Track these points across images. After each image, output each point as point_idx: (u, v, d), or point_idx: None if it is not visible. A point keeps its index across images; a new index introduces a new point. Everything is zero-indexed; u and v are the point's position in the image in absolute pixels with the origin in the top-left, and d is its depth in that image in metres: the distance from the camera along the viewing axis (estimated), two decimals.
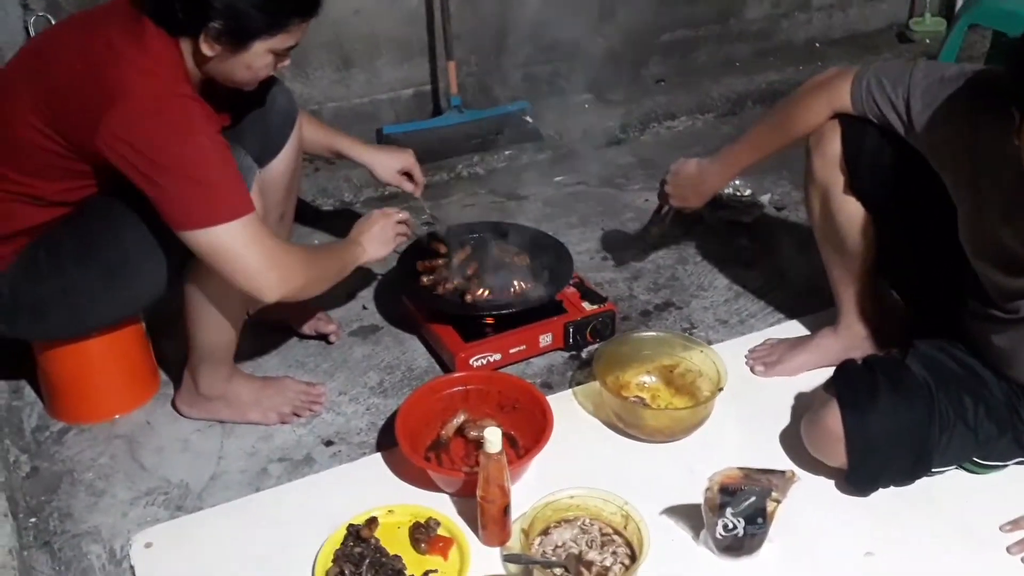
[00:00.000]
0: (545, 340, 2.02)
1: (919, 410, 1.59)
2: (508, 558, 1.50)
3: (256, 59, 1.58)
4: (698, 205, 2.04)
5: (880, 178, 1.70)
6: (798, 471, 1.63)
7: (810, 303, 2.16)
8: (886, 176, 1.69)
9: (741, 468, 1.53)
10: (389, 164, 2.10)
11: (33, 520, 1.69)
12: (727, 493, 1.52)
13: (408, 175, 2.13)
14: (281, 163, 1.88)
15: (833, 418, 1.60)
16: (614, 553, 1.53)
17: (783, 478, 1.53)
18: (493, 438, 1.48)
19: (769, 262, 2.40)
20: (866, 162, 1.70)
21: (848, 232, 1.78)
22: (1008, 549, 1.56)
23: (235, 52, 1.55)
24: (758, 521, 1.52)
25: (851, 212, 1.76)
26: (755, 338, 2.09)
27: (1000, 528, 1.60)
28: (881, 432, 1.58)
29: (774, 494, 1.52)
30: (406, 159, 2.11)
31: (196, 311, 1.72)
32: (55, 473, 1.78)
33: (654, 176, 2.82)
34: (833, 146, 1.72)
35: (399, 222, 1.90)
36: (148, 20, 1.52)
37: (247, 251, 1.53)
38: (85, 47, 1.54)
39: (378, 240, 1.85)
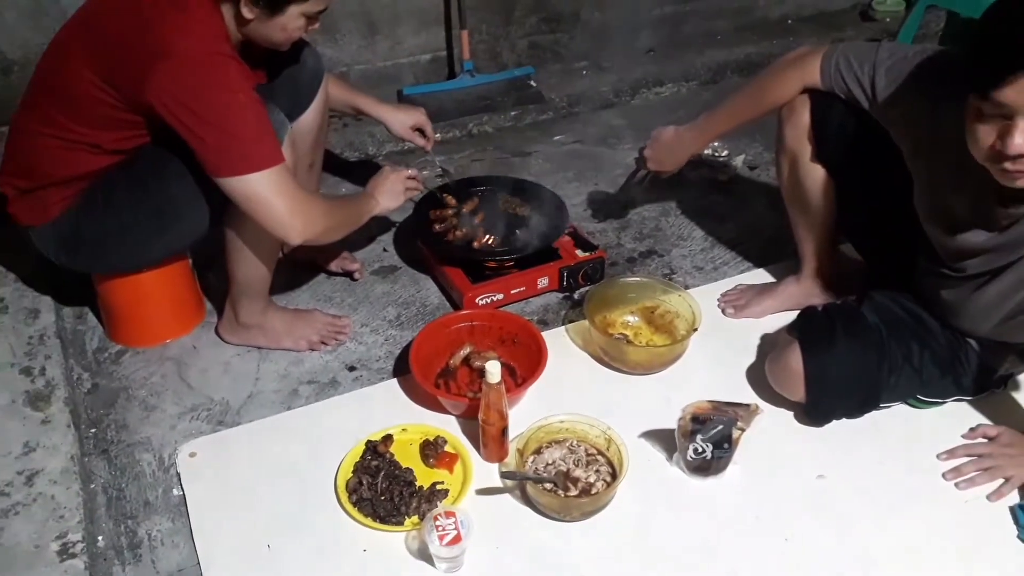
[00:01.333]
0: (542, 282, 1.96)
1: (871, 353, 1.54)
2: (505, 475, 1.46)
3: (290, 21, 1.50)
4: (673, 169, 1.94)
5: (844, 148, 1.62)
6: (761, 403, 1.58)
7: (777, 253, 2.09)
8: (849, 146, 1.61)
9: (711, 401, 1.49)
10: (403, 120, 2.01)
11: (93, 431, 1.65)
12: (698, 422, 1.48)
13: (420, 131, 2.04)
14: (309, 118, 1.80)
15: (795, 358, 1.55)
16: (597, 471, 1.49)
17: (748, 410, 1.48)
18: (493, 370, 1.44)
19: (742, 216, 2.32)
20: (832, 133, 1.62)
21: (813, 195, 1.70)
22: (943, 475, 1.53)
23: (271, 15, 1.48)
24: (724, 446, 1.48)
25: (816, 177, 1.68)
26: (727, 284, 2.02)
27: (937, 456, 1.56)
28: (837, 372, 1.53)
29: (739, 423, 1.48)
30: (418, 116, 2.03)
31: (234, 250, 1.66)
32: (112, 390, 1.74)
33: (643, 137, 2.67)
34: (803, 117, 1.64)
35: (409, 177, 1.83)
36: None
37: (276, 198, 1.46)
38: (135, 9, 1.45)
39: (389, 193, 1.78)
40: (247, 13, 1.46)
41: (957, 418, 1.62)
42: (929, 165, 1.46)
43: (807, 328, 1.58)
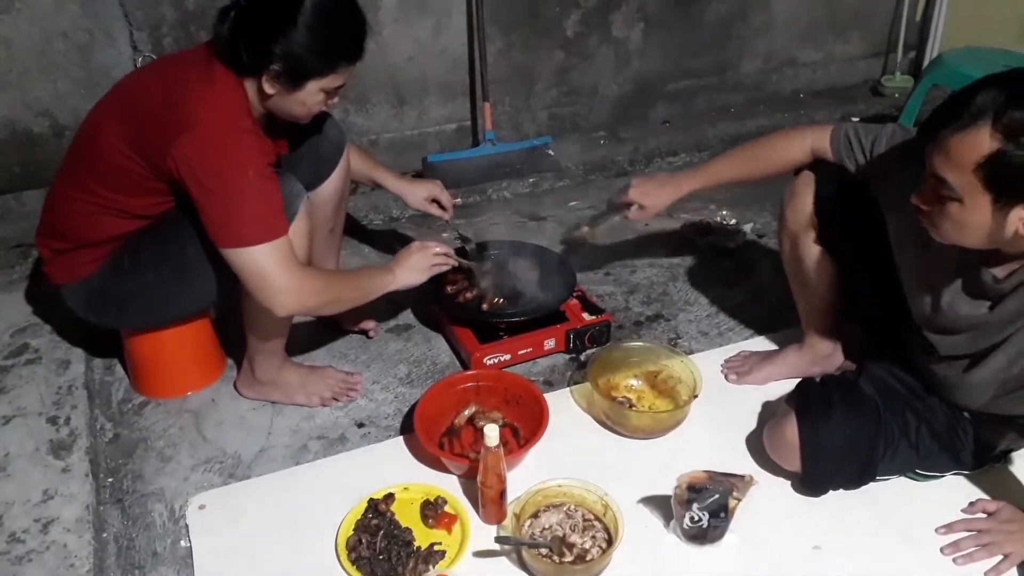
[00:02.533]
0: (549, 344, 1.93)
1: (867, 425, 1.48)
2: (500, 540, 1.41)
3: (309, 97, 1.52)
4: (656, 205, 1.79)
5: (845, 229, 1.59)
6: (757, 472, 1.53)
7: (782, 319, 2.04)
8: (851, 228, 1.58)
9: (706, 471, 1.44)
10: (418, 193, 2.01)
11: (110, 480, 1.64)
12: (694, 491, 1.42)
13: (436, 202, 2.05)
14: (330, 187, 1.81)
15: (791, 428, 1.50)
16: (593, 537, 1.44)
17: (743, 481, 1.43)
18: (491, 434, 1.40)
19: (748, 283, 2.28)
20: (832, 218, 1.59)
21: (814, 272, 1.67)
22: (942, 550, 1.45)
23: (291, 91, 1.50)
24: (720, 515, 1.42)
25: (818, 256, 1.65)
26: (731, 349, 1.98)
27: (936, 530, 1.48)
28: (832, 443, 1.47)
29: (735, 493, 1.43)
30: (432, 188, 2.02)
31: (251, 312, 1.67)
32: (132, 440, 1.74)
33: None
34: (804, 201, 1.61)
35: (437, 254, 1.77)
36: (218, 63, 1.48)
37: (269, 271, 1.46)
38: (164, 84, 1.49)
39: (412, 269, 1.72)
40: (268, 88, 1.49)
41: (956, 491, 1.55)
42: (902, 234, 1.44)
43: (804, 398, 1.53)
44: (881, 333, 1.67)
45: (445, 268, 1.80)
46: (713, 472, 1.44)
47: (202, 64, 1.49)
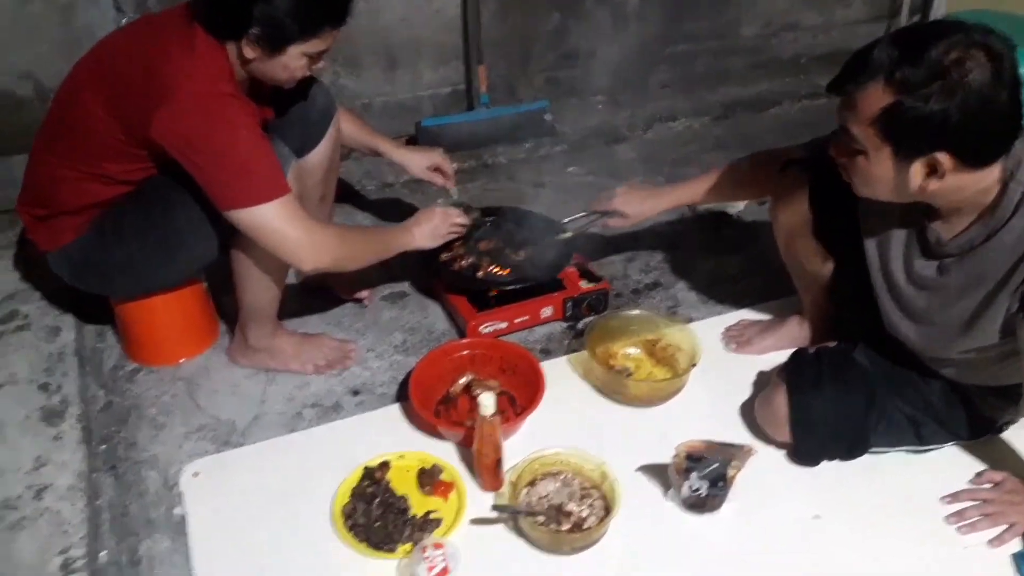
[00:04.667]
0: (546, 312, 1.91)
1: (859, 397, 1.48)
2: (496, 508, 1.41)
3: (292, 61, 1.48)
4: (637, 215, 1.82)
5: (837, 223, 1.55)
6: (754, 442, 1.53)
7: (782, 288, 2.00)
8: (841, 221, 1.54)
9: (705, 440, 1.43)
10: (420, 161, 1.98)
11: (103, 447, 1.63)
12: (692, 460, 1.42)
13: (439, 170, 2.01)
14: (319, 154, 1.77)
15: (780, 400, 1.49)
16: (591, 506, 1.44)
17: (741, 451, 1.42)
18: (487, 403, 1.39)
19: (749, 250, 2.25)
20: (825, 212, 1.57)
21: (811, 266, 1.66)
22: (946, 519, 1.45)
23: (272, 55, 1.46)
24: (719, 484, 1.42)
25: (813, 251, 1.63)
26: (730, 318, 1.96)
27: (940, 499, 1.48)
28: (822, 415, 1.47)
29: (734, 463, 1.42)
30: (434, 156, 1.99)
31: (242, 276, 1.65)
32: (125, 407, 1.72)
33: (654, 169, 2.70)
34: (795, 198, 1.60)
35: (454, 223, 1.77)
36: (199, 26, 1.43)
37: (284, 227, 1.44)
38: (143, 49, 1.45)
39: (430, 233, 1.73)
40: (248, 52, 1.44)
41: (957, 461, 1.54)
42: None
43: (795, 370, 1.52)
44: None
45: (461, 235, 1.81)
46: (712, 441, 1.43)
47: (182, 27, 1.44)
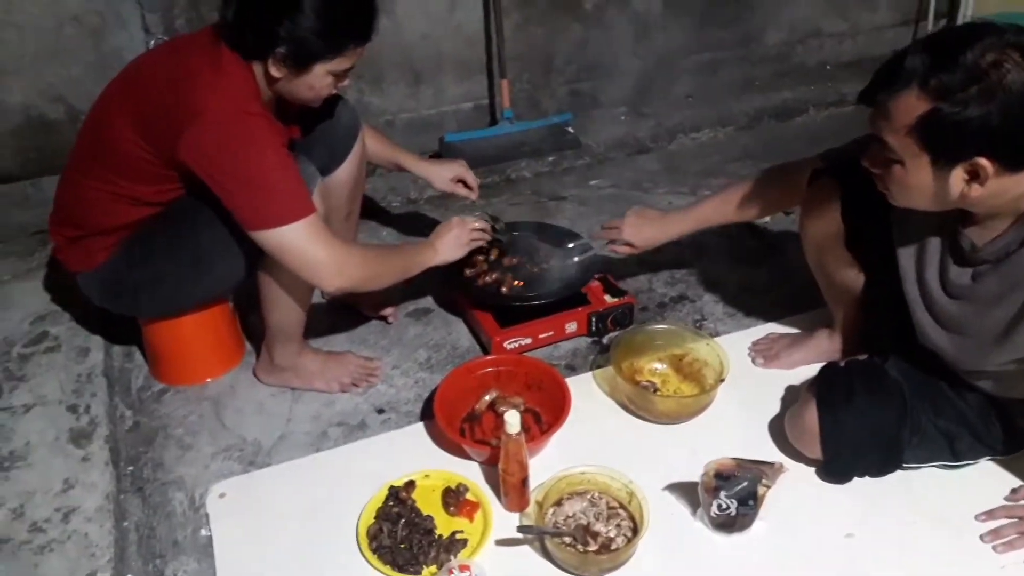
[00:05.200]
0: (570, 327, 1.90)
1: (891, 413, 1.44)
2: (522, 529, 1.39)
3: (317, 80, 1.49)
4: (645, 244, 1.81)
5: (869, 234, 1.52)
6: (784, 459, 1.49)
7: (810, 300, 1.98)
8: (873, 232, 1.51)
9: (734, 459, 1.40)
10: (443, 175, 1.98)
11: (131, 468, 1.64)
12: (721, 478, 1.39)
13: (462, 182, 2.01)
14: (345, 172, 1.78)
15: (811, 415, 1.46)
16: (618, 526, 1.41)
17: (772, 468, 1.39)
18: (512, 421, 1.38)
19: (775, 262, 2.23)
20: (857, 223, 1.54)
21: (841, 279, 1.63)
22: (982, 537, 1.40)
23: (298, 74, 1.47)
24: (749, 503, 1.39)
25: (845, 264, 1.60)
26: (758, 331, 1.93)
27: (976, 517, 1.44)
28: (854, 430, 1.44)
29: (764, 480, 1.39)
30: (458, 169, 1.99)
31: (268, 297, 1.65)
32: (152, 428, 1.73)
33: (678, 181, 2.68)
34: (825, 210, 1.56)
35: (474, 229, 1.77)
36: (225, 47, 1.44)
37: (309, 248, 1.45)
38: (171, 71, 1.47)
39: (452, 245, 1.72)
40: (275, 72, 1.46)
41: (992, 477, 1.50)
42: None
43: (825, 384, 1.49)
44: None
45: (482, 242, 1.81)
46: (742, 459, 1.40)
47: (208, 48, 1.46)
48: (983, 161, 1.13)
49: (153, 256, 1.58)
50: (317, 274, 1.48)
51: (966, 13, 3.29)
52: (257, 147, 1.40)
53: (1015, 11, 2.80)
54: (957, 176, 1.17)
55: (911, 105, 1.13)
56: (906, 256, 1.41)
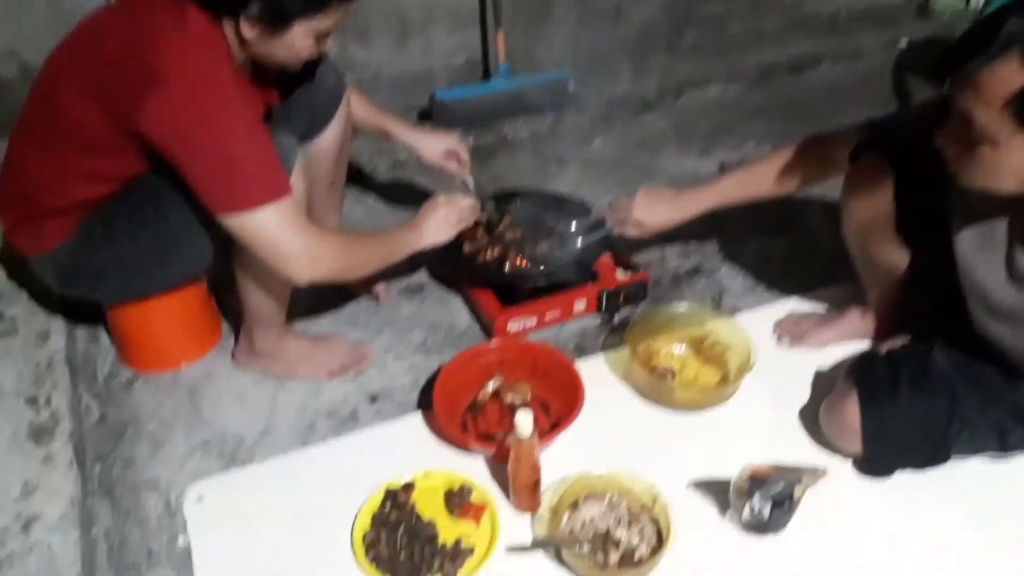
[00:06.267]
0: (579, 306, 1.76)
1: (938, 407, 1.32)
2: (536, 544, 1.27)
3: (297, 40, 1.31)
4: (656, 224, 1.63)
5: (919, 215, 1.40)
6: (819, 454, 1.39)
7: (836, 271, 1.86)
8: (923, 216, 1.39)
9: (773, 464, 1.27)
10: (434, 148, 1.80)
11: (98, 467, 1.49)
12: (756, 481, 1.27)
13: (454, 157, 1.84)
14: (328, 139, 1.61)
15: (851, 410, 1.34)
16: (640, 532, 1.29)
17: (814, 473, 1.27)
18: (524, 424, 1.25)
19: (796, 229, 2.09)
20: (908, 203, 1.40)
21: (885, 262, 1.50)
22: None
23: (275, 34, 1.29)
24: (784, 505, 1.27)
25: (891, 246, 1.47)
26: (781, 308, 1.80)
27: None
28: (899, 427, 1.32)
29: (803, 482, 1.27)
30: (450, 141, 1.80)
31: (245, 279, 1.50)
32: (122, 421, 1.58)
33: (688, 141, 2.53)
34: (874, 188, 1.42)
35: (463, 209, 1.60)
36: (191, 3, 1.26)
37: (280, 236, 1.29)
38: (129, 29, 1.28)
39: (439, 226, 1.56)
40: (247, 32, 1.27)
41: None
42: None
43: (866, 375, 1.37)
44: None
45: (472, 223, 1.65)
46: (781, 465, 1.27)
47: (172, 4, 1.26)
48: None
49: (115, 239, 1.41)
50: (288, 266, 1.32)
51: None
52: (226, 119, 1.22)
53: None
54: None
55: (1010, 76, 1.01)
56: (966, 241, 1.27)
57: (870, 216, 1.46)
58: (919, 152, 1.31)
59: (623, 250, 1.89)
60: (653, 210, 1.63)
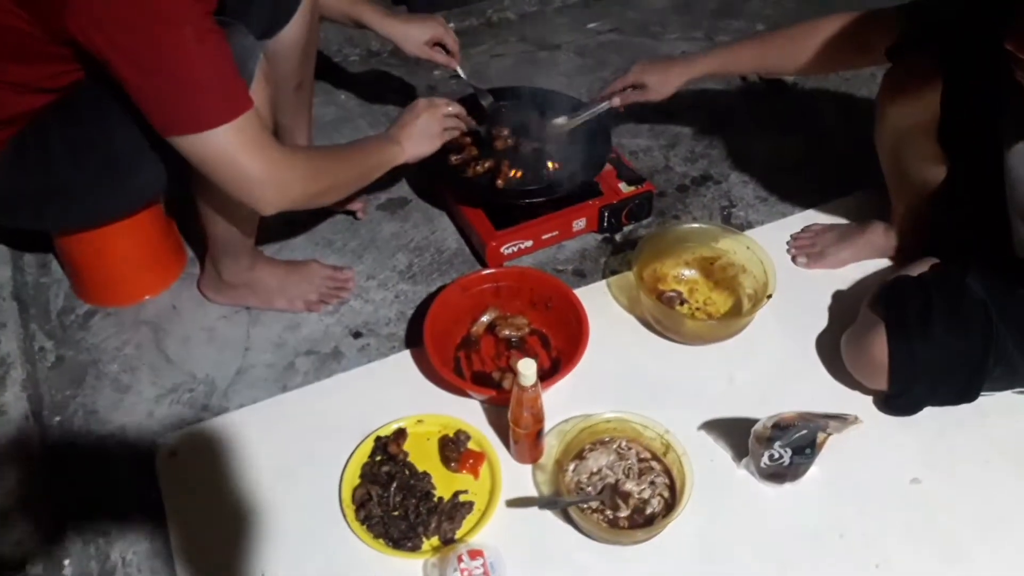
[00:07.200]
0: (579, 225, 1.61)
1: (974, 340, 1.22)
2: (543, 504, 1.18)
3: None
4: (659, 86, 1.50)
5: (961, 127, 1.24)
6: (832, 385, 1.35)
7: (855, 175, 1.72)
8: (969, 125, 1.23)
9: (799, 412, 1.17)
10: (416, 37, 1.57)
11: (57, 419, 1.37)
12: (778, 428, 1.17)
13: (440, 45, 1.62)
14: (293, 33, 1.39)
15: (879, 344, 1.24)
16: (652, 483, 1.21)
17: (844, 421, 1.18)
18: (527, 372, 1.13)
19: (811, 127, 1.92)
20: (954, 114, 1.24)
21: (920, 177, 1.36)
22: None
23: None
24: (806, 452, 1.19)
25: (928, 160, 1.32)
26: (796, 221, 1.67)
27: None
28: (929, 363, 1.22)
29: (829, 428, 1.18)
30: (435, 28, 1.58)
31: (207, 206, 1.33)
32: (80, 363, 1.45)
33: (692, 23, 2.30)
34: (916, 93, 1.26)
35: (448, 115, 1.41)
36: None
37: (239, 159, 1.10)
38: None
39: (420, 137, 1.38)
40: None
41: None
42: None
43: (895, 304, 1.25)
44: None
45: (458, 132, 1.47)
46: (809, 413, 1.18)
47: None
48: None
49: (53, 160, 1.21)
50: (252, 194, 1.15)
51: None
52: (172, 20, 1.01)
53: None
54: None
55: None
56: (1018, 157, 1.12)
57: (909, 124, 1.30)
58: (972, 51, 1.15)
59: (621, 140, 1.71)
60: (654, 73, 1.50)
